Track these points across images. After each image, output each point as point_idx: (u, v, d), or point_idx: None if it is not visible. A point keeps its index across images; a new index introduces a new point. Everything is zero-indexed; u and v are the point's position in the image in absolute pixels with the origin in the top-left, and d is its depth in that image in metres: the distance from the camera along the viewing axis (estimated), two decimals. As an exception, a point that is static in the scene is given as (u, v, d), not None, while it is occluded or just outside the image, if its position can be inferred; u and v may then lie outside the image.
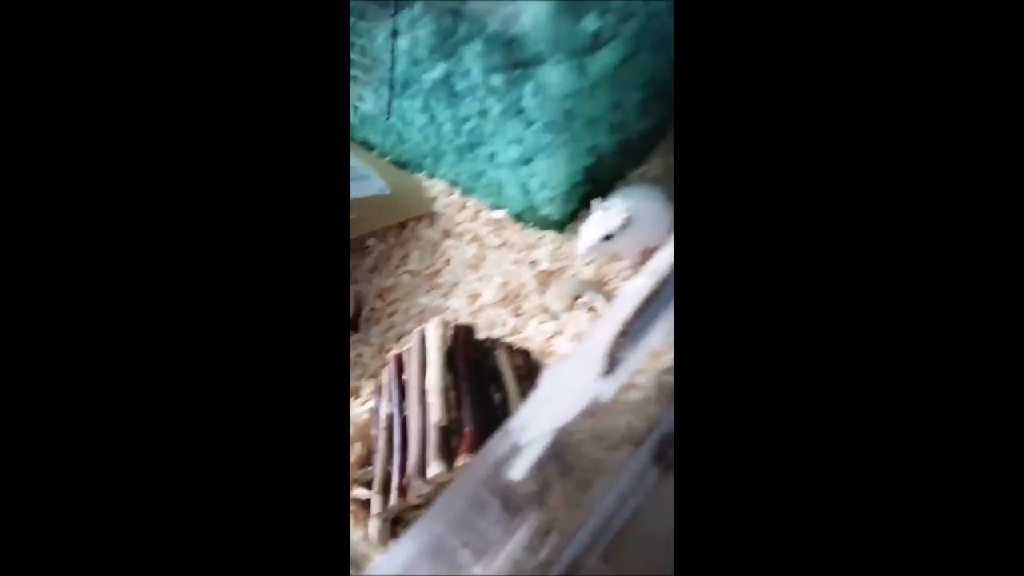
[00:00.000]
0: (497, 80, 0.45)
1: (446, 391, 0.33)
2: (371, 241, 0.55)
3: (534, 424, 0.23)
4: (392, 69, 0.46)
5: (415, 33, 0.47)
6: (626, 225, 0.45)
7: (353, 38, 0.52)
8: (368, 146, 0.65)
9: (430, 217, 0.57)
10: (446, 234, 0.56)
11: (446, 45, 0.47)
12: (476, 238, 0.55)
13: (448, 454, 0.30)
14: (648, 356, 0.40)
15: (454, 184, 0.59)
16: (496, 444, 0.23)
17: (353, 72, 0.54)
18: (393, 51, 0.45)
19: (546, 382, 0.25)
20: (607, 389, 0.24)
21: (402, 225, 0.56)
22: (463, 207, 0.57)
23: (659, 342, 0.29)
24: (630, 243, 0.47)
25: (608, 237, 0.45)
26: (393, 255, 0.54)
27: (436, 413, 0.31)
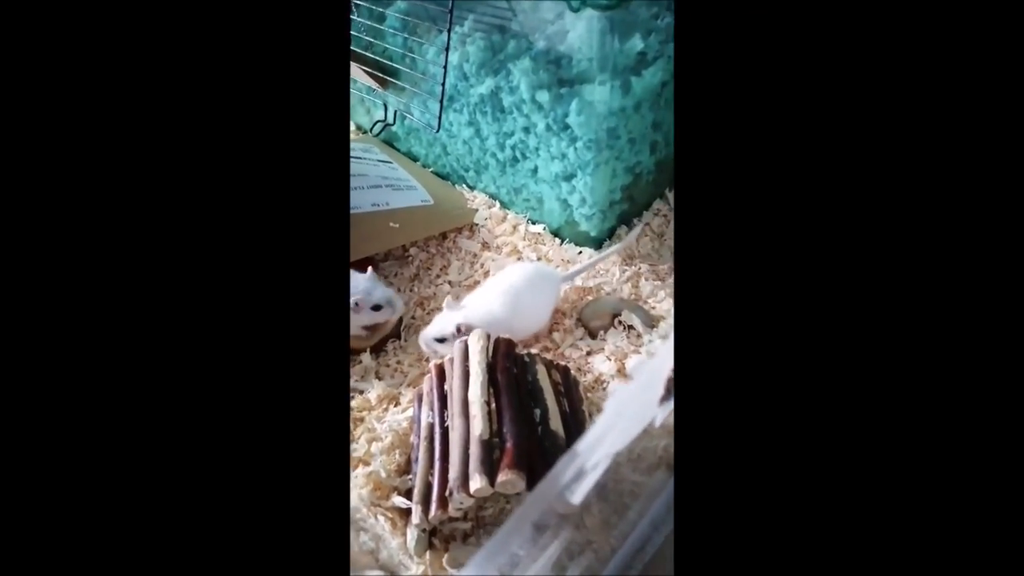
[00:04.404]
0: (543, 96, 0.46)
1: (487, 404, 0.33)
2: (413, 250, 0.56)
3: (599, 448, 0.23)
4: (444, 83, 0.47)
5: (465, 48, 0.49)
6: (460, 333, 0.41)
7: (403, 52, 0.54)
8: (412, 157, 0.66)
9: (470, 229, 0.58)
10: (485, 246, 0.56)
11: (494, 61, 0.48)
12: (515, 251, 0.55)
13: (490, 468, 0.30)
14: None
15: (494, 197, 0.60)
16: (562, 467, 0.23)
17: (402, 84, 0.55)
18: (445, 65, 0.46)
19: (610, 407, 0.25)
20: (663, 414, 0.24)
21: (443, 235, 0.57)
22: (503, 220, 0.58)
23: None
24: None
25: (441, 340, 0.43)
26: (434, 265, 0.55)
27: (479, 426, 0.32)
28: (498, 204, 0.59)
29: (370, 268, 0.47)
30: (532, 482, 0.30)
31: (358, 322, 0.46)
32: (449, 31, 0.45)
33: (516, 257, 0.54)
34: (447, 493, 0.31)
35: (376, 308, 0.45)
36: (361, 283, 0.45)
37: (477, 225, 0.58)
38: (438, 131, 0.51)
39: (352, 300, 0.44)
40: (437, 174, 0.64)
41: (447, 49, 0.46)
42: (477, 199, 0.60)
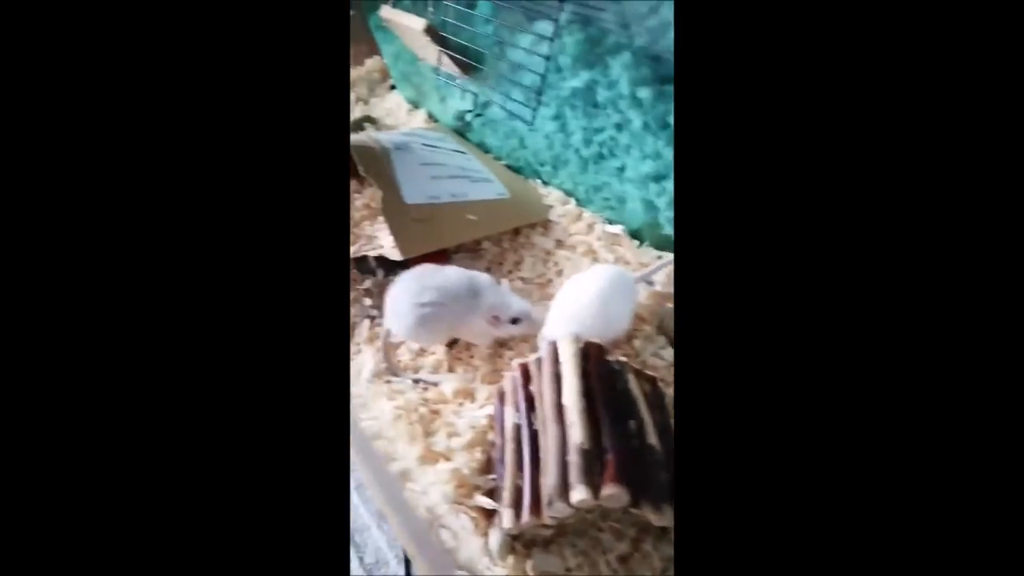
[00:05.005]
0: (644, 93, 0.44)
1: (585, 412, 0.32)
2: (485, 244, 0.55)
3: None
4: (544, 75, 0.45)
5: (561, 40, 0.47)
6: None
7: (495, 40, 0.53)
8: (484, 148, 0.65)
9: (544, 225, 0.56)
10: (559, 244, 0.55)
11: (592, 54, 0.46)
12: (590, 251, 0.54)
13: (592, 480, 0.29)
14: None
15: (570, 194, 0.58)
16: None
17: (489, 73, 0.54)
18: (549, 57, 0.44)
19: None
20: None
21: (516, 230, 0.56)
22: (578, 218, 0.56)
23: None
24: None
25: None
26: (506, 260, 0.54)
27: (578, 434, 0.31)
28: (573, 201, 0.58)
29: (505, 280, 0.45)
30: (635, 497, 0.29)
31: (495, 334, 0.43)
32: (557, 20, 0.44)
33: (592, 258, 0.53)
34: (547, 501, 0.30)
35: (515, 321, 0.43)
36: (499, 295, 0.43)
37: (551, 222, 0.56)
38: (532, 125, 0.50)
39: (491, 314, 0.42)
40: (510, 167, 0.63)
41: (552, 39, 0.44)
42: (551, 195, 0.59)
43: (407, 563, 0.84)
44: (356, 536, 0.92)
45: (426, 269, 0.44)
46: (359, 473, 0.89)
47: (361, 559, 0.89)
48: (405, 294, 0.43)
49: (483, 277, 0.44)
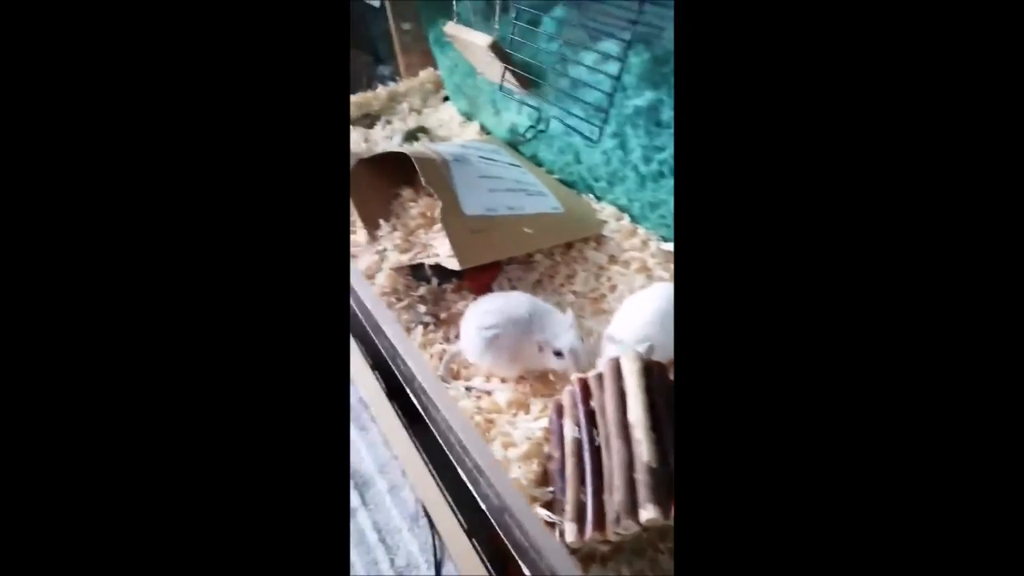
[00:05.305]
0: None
1: (652, 430, 0.32)
2: (538, 256, 0.56)
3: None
4: (612, 94, 0.46)
5: (628, 60, 0.48)
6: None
7: (558, 57, 0.54)
8: (536, 162, 0.66)
9: (597, 240, 0.57)
10: (612, 259, 0.55)
11: (656, 73, 0.47)
12: (644, 268, 0.54)
13: (662, 498, 0.29)
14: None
15: (624, 210, 0.59)
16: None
17: (550, 90, 0.55)
18: (618, 77, 0.45)
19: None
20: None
21: (568, 244, 0.56)
22: (632, 234, 0.57)
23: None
24: None
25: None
26: (558, 273, 0.55)
27: (646, 452, 0.31)
28: (627, 217, 0.58)
29: (570, 310, 0.45)
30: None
31: (537, 363, 0.44)
32: (628, 42, 0.44)
33: (646, 275, 0.53)
34: (615, 517, 0.30)
35: (558, 354, 0.42)
36: (554, 324, 0.43)
37: (605, 237, 0.57)
38: (597, 143, 0.51)
39: (540, 339, 0.42)
40: (562, 182, 0.64)
41: (619, 59, 0.45)
42: (604, 210, 0.59)
43: (437, 566, 0.85)
44: (388, 538, 0.93)
45: (492, 297, 0.46)
46: (391, 474, 0.88)
47: (392, 561, 0.90)
48: (471, 320, 0.45)
49: (547, 305, 0.45)
